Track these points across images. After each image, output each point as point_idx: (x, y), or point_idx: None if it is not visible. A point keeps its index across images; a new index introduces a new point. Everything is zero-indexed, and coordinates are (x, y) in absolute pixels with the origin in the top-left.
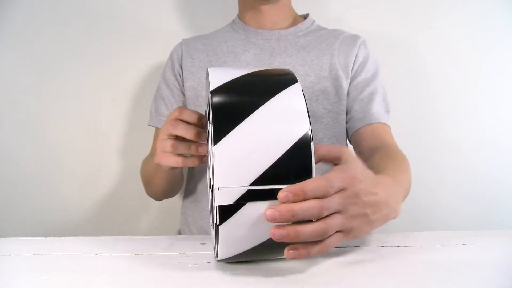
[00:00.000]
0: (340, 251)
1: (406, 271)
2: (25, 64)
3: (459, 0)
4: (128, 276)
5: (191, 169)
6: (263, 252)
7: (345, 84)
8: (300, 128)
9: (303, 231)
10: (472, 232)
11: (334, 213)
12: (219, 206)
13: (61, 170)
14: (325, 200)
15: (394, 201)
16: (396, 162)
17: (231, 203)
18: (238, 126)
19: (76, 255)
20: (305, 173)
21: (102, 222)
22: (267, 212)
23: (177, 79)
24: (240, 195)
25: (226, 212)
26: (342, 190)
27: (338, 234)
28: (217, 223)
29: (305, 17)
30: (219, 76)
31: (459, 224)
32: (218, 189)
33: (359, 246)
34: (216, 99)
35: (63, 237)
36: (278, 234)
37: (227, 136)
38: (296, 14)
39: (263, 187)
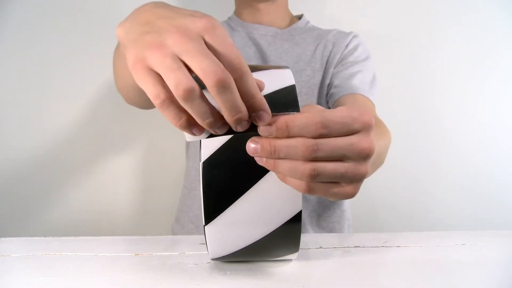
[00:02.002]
0: (340, 251)
1: (406, 271)
2: (25, 64)
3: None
4: (128, 276)
5: (188, 161)
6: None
7: (332, 72)
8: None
9: (280, 164)
10: (472, 232)
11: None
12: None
13: (61, 170)
14: (318, 140)
15: None
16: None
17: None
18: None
19: (76, 255)
20: (292, 109)
21: (102, 222)
22: (249, 144)
23: None
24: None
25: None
26: (354, 132)
27: (331, 184)
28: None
29: (299, 17)
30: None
31: (459, 224)
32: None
33: (359, 246)
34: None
35: (63, 237)
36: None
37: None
38: (292, 16)
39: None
